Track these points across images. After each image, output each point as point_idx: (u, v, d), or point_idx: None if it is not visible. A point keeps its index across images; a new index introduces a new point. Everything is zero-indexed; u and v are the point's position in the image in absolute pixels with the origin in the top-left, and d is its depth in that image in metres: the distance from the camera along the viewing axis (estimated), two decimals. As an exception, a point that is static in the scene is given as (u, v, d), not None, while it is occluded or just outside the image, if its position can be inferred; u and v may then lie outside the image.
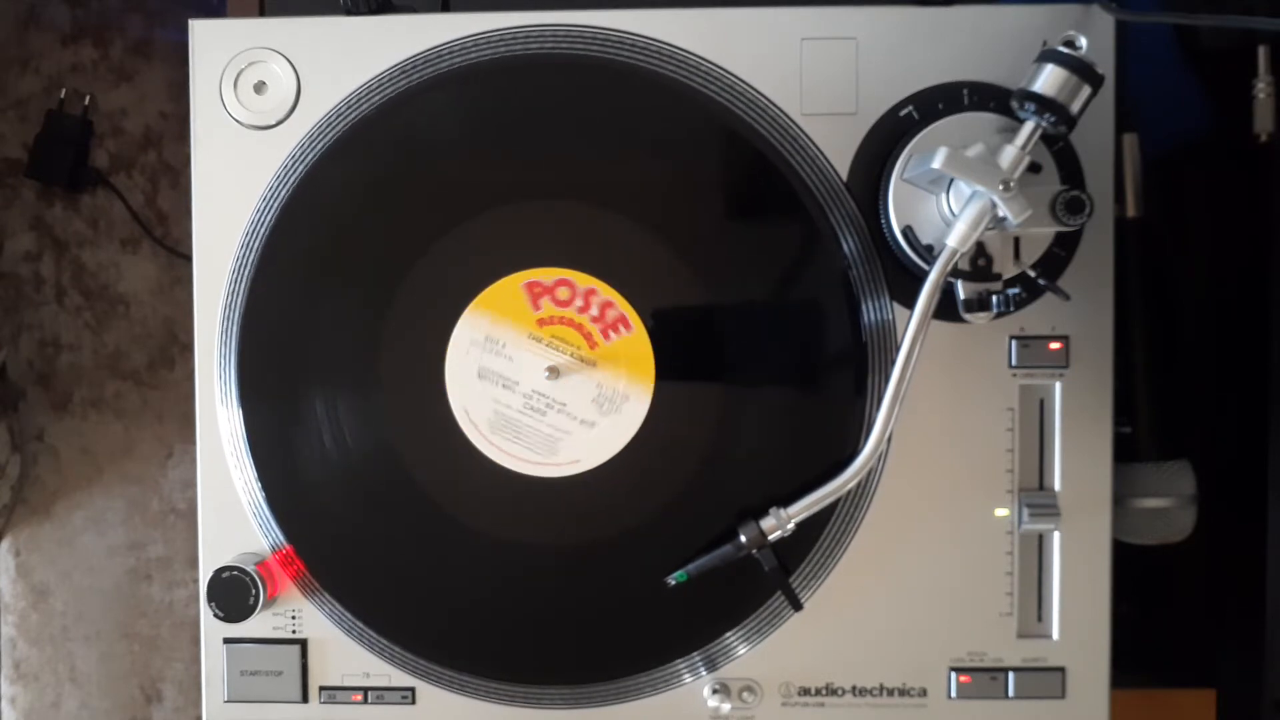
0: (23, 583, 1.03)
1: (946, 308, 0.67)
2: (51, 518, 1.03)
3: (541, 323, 0.70)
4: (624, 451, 0.71)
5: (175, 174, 1.00)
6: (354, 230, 0.72)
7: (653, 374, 0.70)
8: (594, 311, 0.70)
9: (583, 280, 0.70)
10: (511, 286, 0.70)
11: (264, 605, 0.71)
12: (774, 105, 0.71)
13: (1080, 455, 0.71)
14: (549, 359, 0.70)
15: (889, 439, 0.68)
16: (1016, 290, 0.68)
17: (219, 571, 0.71)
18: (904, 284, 0.70)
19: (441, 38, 0.71)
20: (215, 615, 0.71)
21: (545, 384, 0.71)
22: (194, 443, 0.73)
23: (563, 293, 0.70)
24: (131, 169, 1.01)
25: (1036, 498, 0.71)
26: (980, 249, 0.67)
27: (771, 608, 0.72)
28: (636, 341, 0.70)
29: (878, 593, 0.72)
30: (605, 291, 0.70)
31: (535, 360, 0.71)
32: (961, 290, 0.67)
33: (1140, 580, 0.76)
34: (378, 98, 0.71)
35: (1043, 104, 0.62)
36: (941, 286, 0.65)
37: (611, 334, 0.70)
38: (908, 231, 0.68)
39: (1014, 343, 0.71)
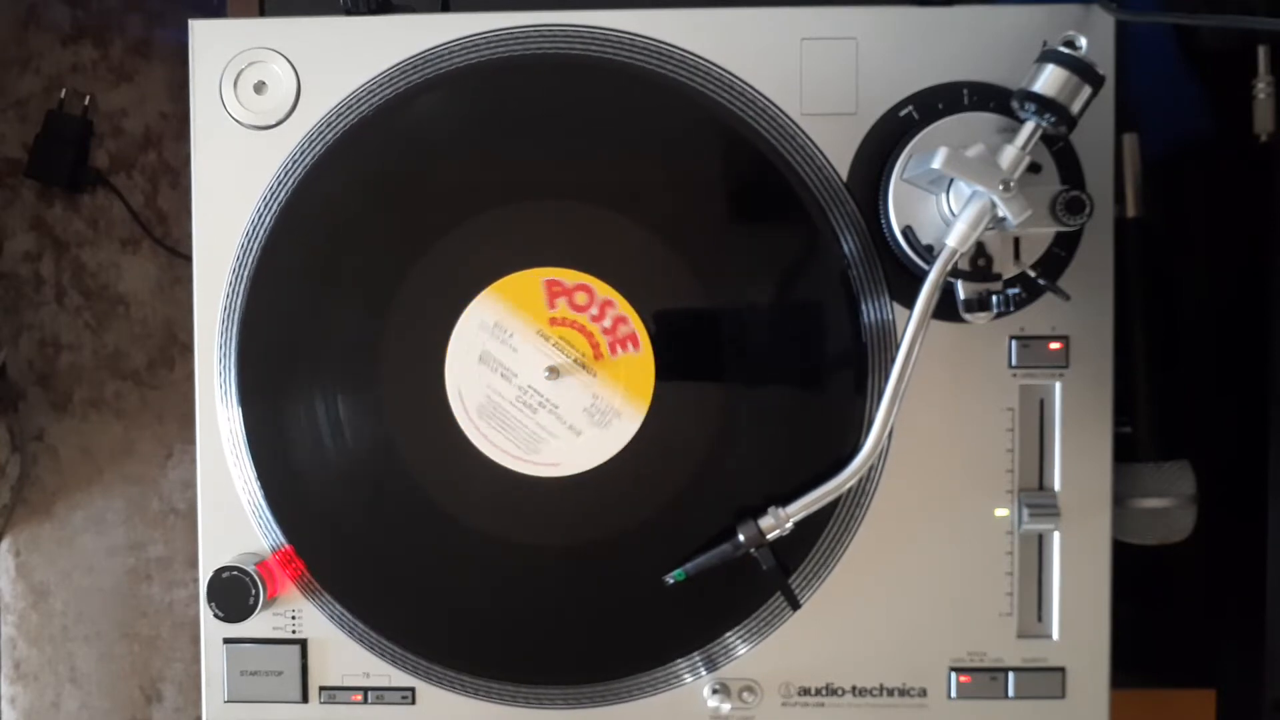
0: (23, 583, 1.03)
1: (946, 308, 0.67)
2: (51, 518, 1.03)
3: (553, 322, 0.70)
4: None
5: (175, 174, 1.00)
6: (354, 230, 0.72)
7: (649, 396, 0.70)
8: (606, 323, 0.70)
9: (602, 289, 0.70)
10: (533, 280, 0.70)
11: (264, 605, 0.71)
12: (774, 105, 0.71)
13: (1080, 455, 0.71)
14: (552, 358, 0.70)
15: (889, 439, 0.69)
16: (1016, 290, 0.68)
17: (219, 571, 0.71)
18: (904, 284, 0.70)
19: (441, 38, 0.71)
20: (215, 615, 0.71)
21: (543, 382, 0.71)
22: (194, 443, 0.73)
23: (580, 298, 0.70)
24: (131, 169, 1.01)
25: (1036, 498, 0.71)
26: (980, 249, 0.67)
27: (771, 607, 0.72)
28: (641, 362, 0.70)
29: (878, 593, 0.72)
30: (622, 306, 0.70)
31: (538, 357, 0.71)
32: (961, 290, 0.67)
33: (1140, 580, 0.76)
34: (378, 98, 0.71)
35: (1043, 104, 0.62)
36: (941, 286, 0.65)
37: (619, 349, 0.70)
38: (908, 231, 0.68)
39: (1014, 343, 0.71)
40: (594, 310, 0.70)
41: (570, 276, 0.70)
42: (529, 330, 0.70)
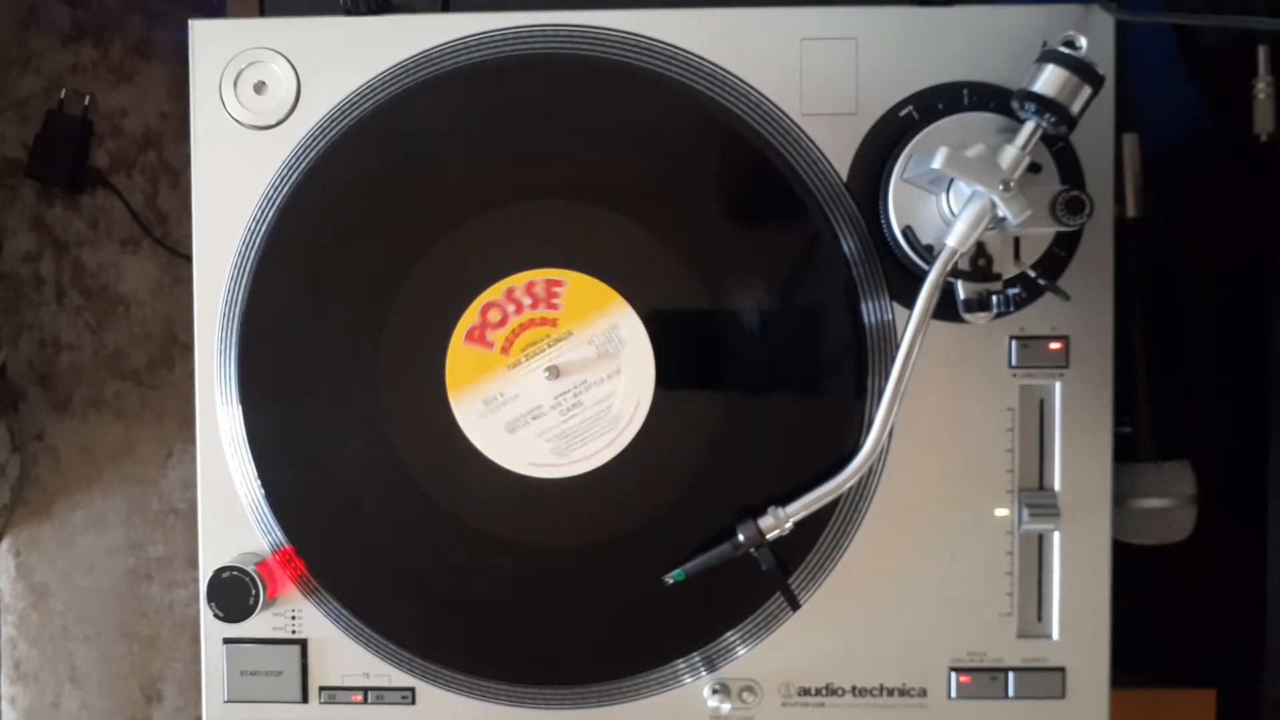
0: (23, 583, 1.03)
1: (946, 308, 0.67)
2: (51, 518, 1.03)
3: (506, 350, 0.70)
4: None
5: (175, 174, 1.00)
6: (354, 230, 0.72)
7: (615, 295, 0.70)
8: (528, 301, 0.70)
9: (495, 291, 0.70)
10: (461, 350, 0.71)
11: (264, 605, 0.71)
12: (774, 105, 0.71)
13: (1080, 455, 0.71)
14: (539, 365, 0.70)
15: (889, 439, 0.69)
16: (1016, 290, 0.68)
17: (219, 571, 0.71)
18: (904, 284, 0.70)
19: (441, 38, 0.71)
20: (215, 615, 0.71)
21: (556, 383, 0.71)
22: (194, 443, 0.73)
23: (494, 315, 0.70)
24: (131, 169, 1.01)
25: (1036, 498, 0.71)
26: (980, 249, 0.67)
27: (771, 607, 0.72)
28: (577, 284, 0.70)
29: (878, 593, 0.72)
30: (521, 279, 0.70)
31: (532, 377, 0.70)
32: (961, 290, 0.67)
33: (1140, 580, 0.76)
34: (378, 98, 0.71)
35: (1043, 104, 0.62)
36: (941, 286, 0.65)
37: (555, 300, 0.70)
38: (908, 231, 0.68)
39: (1014, 343, 0.71)
40: (510, 308, 0.70)
41: (473, 313, 0.70)
42: (505, 375, 0.71)
